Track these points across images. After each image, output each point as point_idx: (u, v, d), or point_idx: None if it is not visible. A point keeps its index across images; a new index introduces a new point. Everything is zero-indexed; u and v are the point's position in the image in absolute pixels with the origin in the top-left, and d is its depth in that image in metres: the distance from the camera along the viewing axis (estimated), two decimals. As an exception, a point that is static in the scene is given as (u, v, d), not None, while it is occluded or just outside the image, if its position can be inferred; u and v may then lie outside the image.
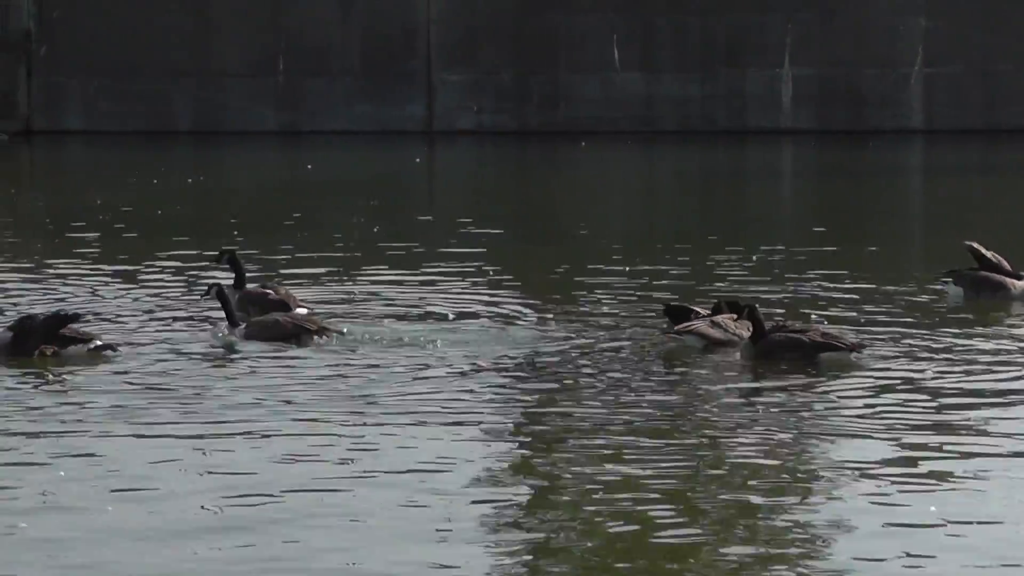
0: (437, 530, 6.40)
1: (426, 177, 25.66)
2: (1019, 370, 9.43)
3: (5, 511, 6.78)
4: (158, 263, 14.35)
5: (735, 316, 10.03)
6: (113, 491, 7.09)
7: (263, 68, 30.07)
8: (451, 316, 11.26)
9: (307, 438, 8.03)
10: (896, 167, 25.48)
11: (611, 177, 24.79)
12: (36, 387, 9.37)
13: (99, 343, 9.90)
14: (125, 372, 9.66)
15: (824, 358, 9.47)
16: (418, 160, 26.62)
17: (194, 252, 14.80)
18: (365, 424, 8.34)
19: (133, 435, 8.19)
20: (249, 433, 8.17)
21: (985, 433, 8.06)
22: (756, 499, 6.86)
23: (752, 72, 28.70)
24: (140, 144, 28.81)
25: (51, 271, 13.96)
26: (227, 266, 11.46)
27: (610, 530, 6.46)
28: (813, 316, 11.06)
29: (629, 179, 24.58)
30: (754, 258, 14.15)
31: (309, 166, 25.23)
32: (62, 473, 7.38)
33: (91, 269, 14.04)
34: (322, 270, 13.89)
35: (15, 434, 8.16)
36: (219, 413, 8.62)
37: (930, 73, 28.30)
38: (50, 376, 9.59)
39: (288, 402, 8.86)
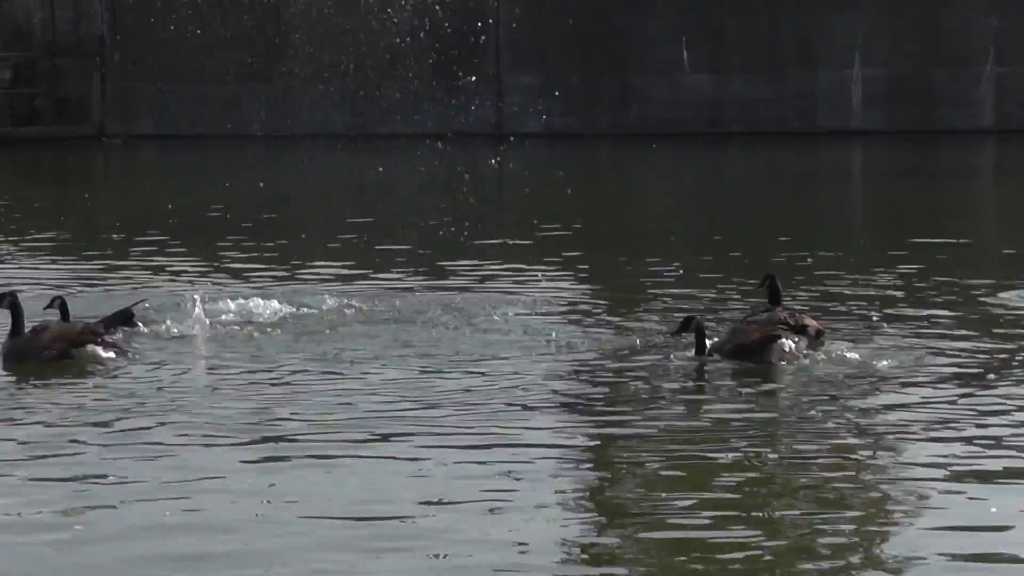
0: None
1: (496, 179, 25.73)
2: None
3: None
4: (223, 264, 14.53)
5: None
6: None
7: (333, 72, 30.26)
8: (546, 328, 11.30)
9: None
10: (966, 168, 25.38)
11: (681, 179, 24.81)
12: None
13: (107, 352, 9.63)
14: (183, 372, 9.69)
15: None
16: (493, 161, 26.66)
17: (261, 255, 15.01)
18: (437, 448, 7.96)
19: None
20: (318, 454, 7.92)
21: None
22: (821, 509, 6.78)
23: (822, 73, 28.67)
24: (212, 148, 29.02)
25: (117, 272, 14.10)
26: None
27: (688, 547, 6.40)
28: (874, 316, 11.05)
29: (700, 181, 24.56)
30: (822, 257, 14.19)
31: (380, 168, 25.33)
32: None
33: (157, 270, 14.21)
34: (400, 272, 13.98)
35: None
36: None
37: (1001, 73, 28.22)
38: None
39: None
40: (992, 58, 28.16)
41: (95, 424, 8.29)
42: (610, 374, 9.43)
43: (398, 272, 13.85)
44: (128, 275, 14.00)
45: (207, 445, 7.89)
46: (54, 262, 14.95)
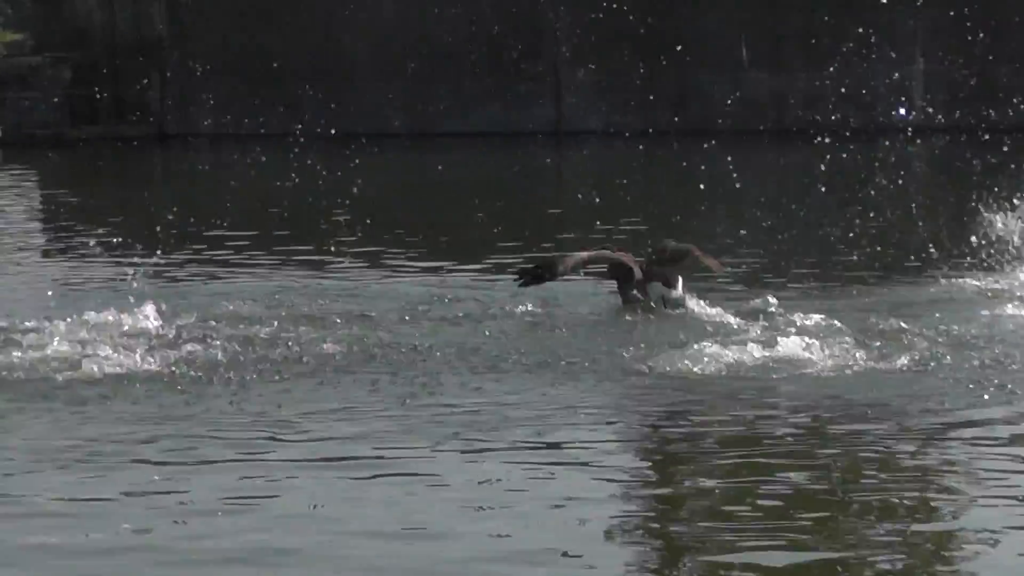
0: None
1: (556, 177, 25.73)
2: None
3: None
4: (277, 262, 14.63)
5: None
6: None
7: (392, 71, 30.33)
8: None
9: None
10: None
11: (742, 176, 24.69)
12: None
13: None
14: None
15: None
16: (549, 161, 26.73)
17: (315, 251, 15.11)
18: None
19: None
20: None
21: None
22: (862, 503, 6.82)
23: (883, 69, 28.52)
24: (271, 147, 29.11)
25: (174, 269, 14.24)
26: None
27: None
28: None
29: (760, 177, 24.47)
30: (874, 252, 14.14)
31: (440, 167, 25.39)
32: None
33: (212, 269, 14.32)
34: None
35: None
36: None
37: (1067, 67, 28.05)
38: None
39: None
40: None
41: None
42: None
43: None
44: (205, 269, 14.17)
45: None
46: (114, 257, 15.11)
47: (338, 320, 10.94)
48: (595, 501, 6.85)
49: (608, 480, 7.29)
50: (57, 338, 10.09)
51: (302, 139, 29.98)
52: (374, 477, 7.27)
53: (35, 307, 11.62)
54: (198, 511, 6.75)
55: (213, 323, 10.71)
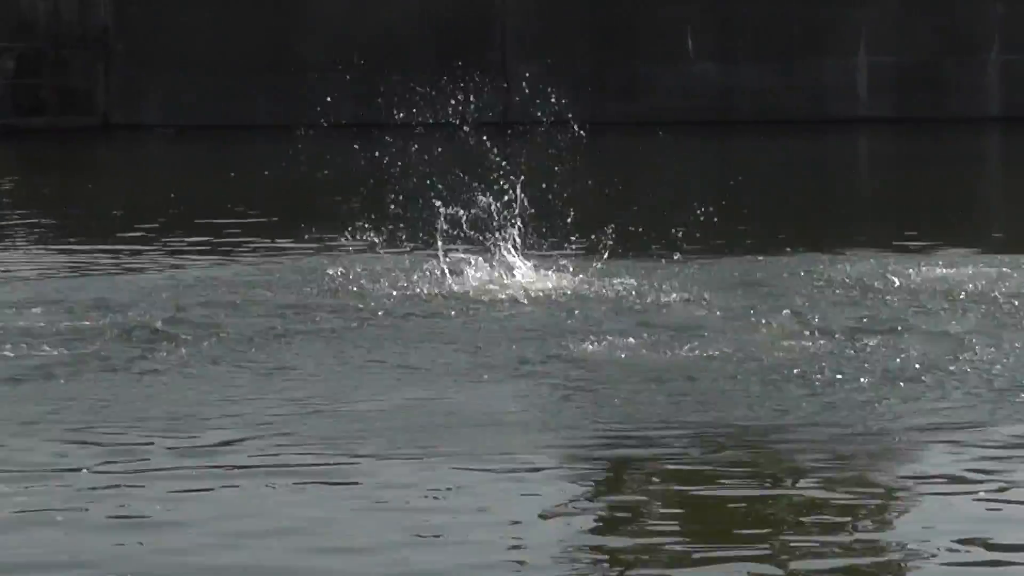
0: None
1: (501, 167, 25.76)
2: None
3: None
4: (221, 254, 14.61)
5: None
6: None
7: (341, 60, 30.31)
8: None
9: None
10: (974, 155, 25.40)
11: (688, 167, 24.84)
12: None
13: None
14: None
15: None
16: (495, 153, 26.69)
17: (267, 242, 15.09)
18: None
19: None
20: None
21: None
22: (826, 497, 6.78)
23: (829, 61, 28.72)
24: (218, 138, 29.07)
25: (110, 262, 14.18)
26: None
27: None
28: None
29: (707, 169, 24.63)
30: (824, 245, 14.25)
31: (386, 159, 25.40)
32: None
33: (151, 261, 14.29)
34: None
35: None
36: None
37: (1008, 60, 28.24)
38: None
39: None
40: (998, 45, 28.19)
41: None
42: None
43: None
44: (130, 261, 14.11)
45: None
46: (55, 249, 15.08)
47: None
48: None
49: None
50: None
51: (249, 130, 30.07)
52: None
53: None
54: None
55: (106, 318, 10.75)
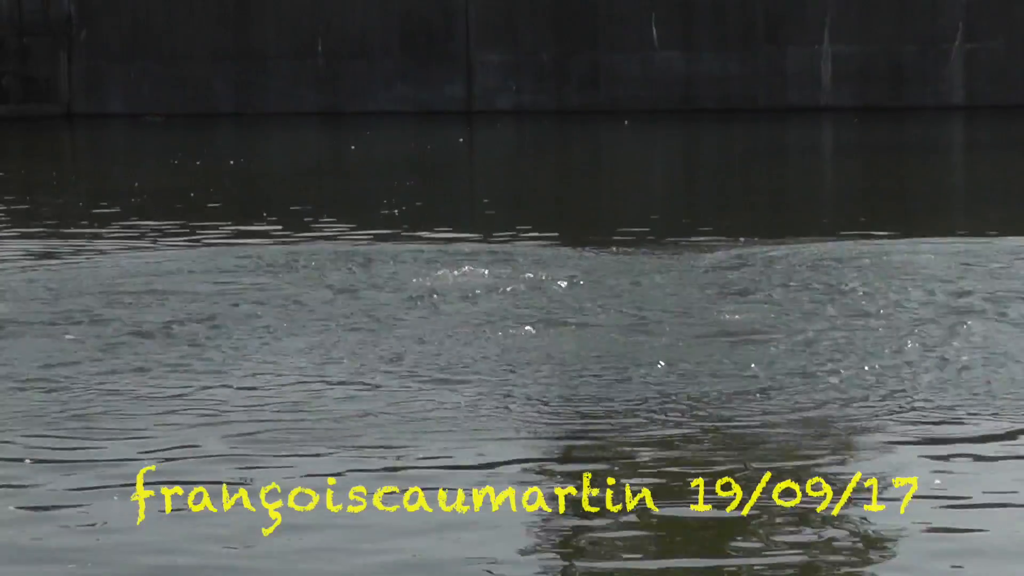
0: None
1: (466, 157, 25.80)
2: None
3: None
4: (185, 241, 14.57)
5: None
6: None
7: (303, 50, 30.32)
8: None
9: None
10: (936, 143, 25.50)
11: (651, 156, 24.92)
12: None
13: None
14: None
15: None
16: (461, 140, 26.76)
17: (229, 231, 15.08)
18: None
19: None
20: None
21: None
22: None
23: (792, 50, 28.80)
24: (181, 126, 29.04)
25: (72, 250, 14.11)
26: None
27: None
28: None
29: (670, 158, 24.69)
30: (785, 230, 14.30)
31: (352, 147, 25.42)
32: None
33: (116, 248, 14.24)
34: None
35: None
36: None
37: (971, 49, 28.35)
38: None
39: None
40: (961, 34, 28.29)
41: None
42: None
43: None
44: (95, 247, 14.07)
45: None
46: (18, 235, 15.06)
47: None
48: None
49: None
50: None
51: (212, 118, 30.05)
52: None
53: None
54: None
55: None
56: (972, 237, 13.50)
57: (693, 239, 13.85)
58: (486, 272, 11.94)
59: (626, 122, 27.42)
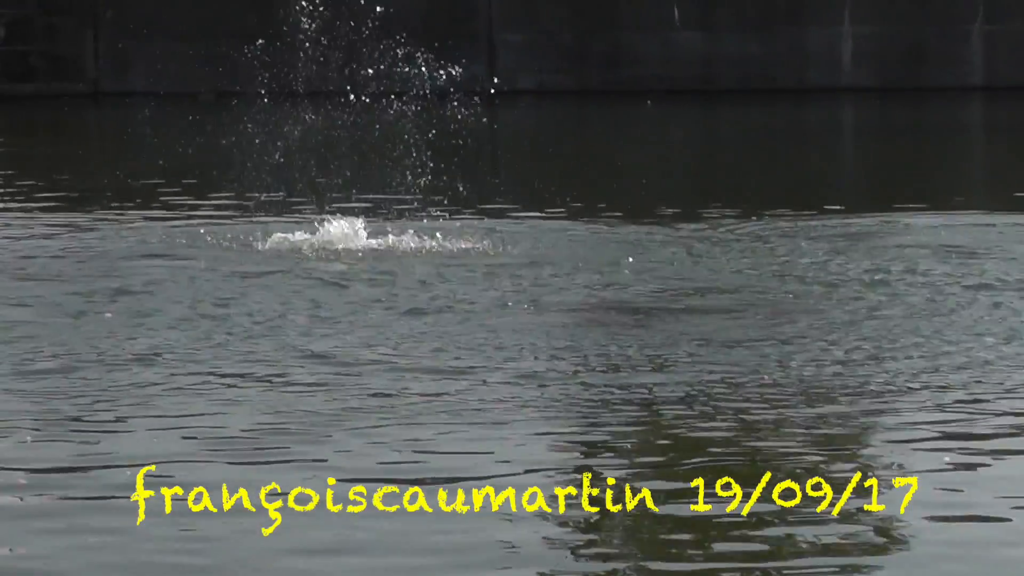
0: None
1: (488, 136, 25.80)
2: None
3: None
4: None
5: None
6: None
7: (326, 27, 30.32)
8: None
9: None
10: (956, 124, 25.44)
11: (672, 135, 24.91)
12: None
13: None
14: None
15: None
16: (485, 120, 26.74)
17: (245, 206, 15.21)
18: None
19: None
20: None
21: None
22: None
23: (812, 30, 28.76)
24: (204, 105, 29.06)
25: (102, 224, 14.23)
26: None
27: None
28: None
29: (690, 137, 24.69)
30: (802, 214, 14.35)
31: (378, 125, 25.42)
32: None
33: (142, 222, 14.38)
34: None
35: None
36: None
37: (990, 30, 28.31)
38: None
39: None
40: (982, 15, 28.24)
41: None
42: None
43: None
44: (122, 222, 14.20)
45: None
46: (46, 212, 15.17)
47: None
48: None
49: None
50: None
51: (237, 96, 30.09)
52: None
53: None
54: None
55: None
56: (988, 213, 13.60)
57: (711, 214, 13.94)
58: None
59: (649, 102, 27.39)
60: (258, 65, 30.43)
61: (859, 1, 28.50)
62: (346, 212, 14.49)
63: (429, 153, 21.69)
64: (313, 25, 30.41)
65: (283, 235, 13.20)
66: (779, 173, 18.72)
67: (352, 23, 30.43)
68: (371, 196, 16.12)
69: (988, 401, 7.52)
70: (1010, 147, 21.43)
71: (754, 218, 13.59)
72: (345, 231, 13.23)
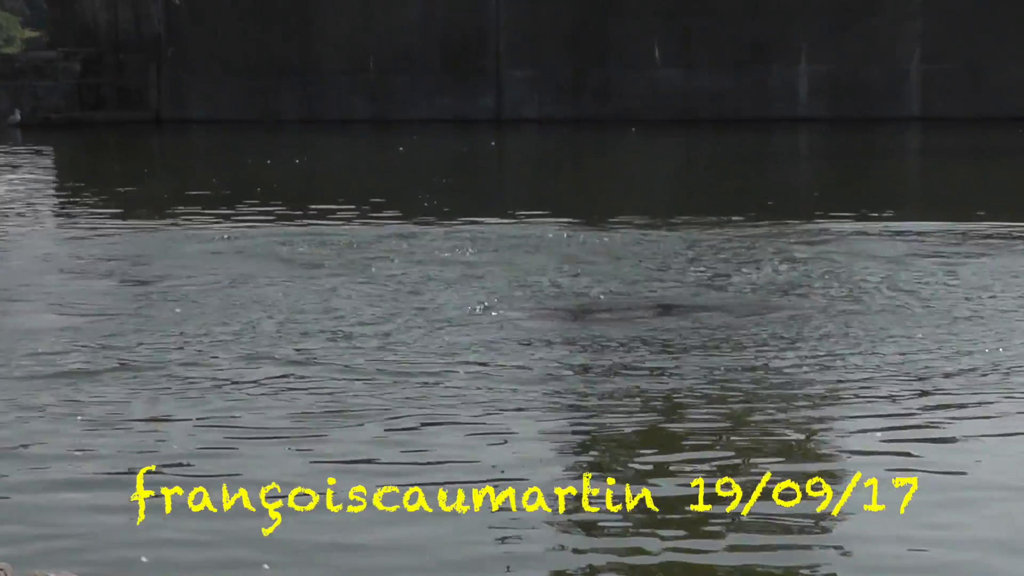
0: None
1: (496, 158, 25.94)
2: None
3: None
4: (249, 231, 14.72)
5: None
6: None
7: (357, 65, 30.54)
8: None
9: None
10: (897, 149, 25.49)
11: (655, 159, 24.99)
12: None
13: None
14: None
15: None
16: (493, 143, 26.87)
17: (287, 221, 15.26)
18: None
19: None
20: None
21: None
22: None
23: (774, 68, 28.91)
24: (253, 131, 29.21)
25: (159, 235, 14.29)
26: None
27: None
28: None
29: (672, 161, 24.75)
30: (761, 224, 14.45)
31: (401, 148, 25.56)
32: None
33: (198, 235, 14.41)
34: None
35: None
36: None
37: (926, 69, 28.47)
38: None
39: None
40: (918, 56, 28.40)
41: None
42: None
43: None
44: (181, 227, 14.28)
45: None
46: (115, 219, 15.30)
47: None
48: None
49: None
50: None
51: (279, 124, 30.22)
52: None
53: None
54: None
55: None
56: (919, 222, 13.69)
57: (689, 222, 13.98)
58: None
59: (633, 130, 27.49)
60: (295, 95, 30.69)
61: (814, 44, 28.66)
62: (388, 217, 14.71)
63: (450, 170, 21.89)
64: (343, 62, 30.65)
65: (321, 238, 12.99)
66: (744, 189, 18.76)
67: (379, 61, 30.60)
68: (403, 204, 16.19)
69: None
70: (942, 168, 21.53)
71: (719, 227, 13.62)
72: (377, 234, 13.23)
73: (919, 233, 12.97)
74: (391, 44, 30.26)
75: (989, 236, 12.73)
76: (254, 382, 7.40)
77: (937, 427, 6.50)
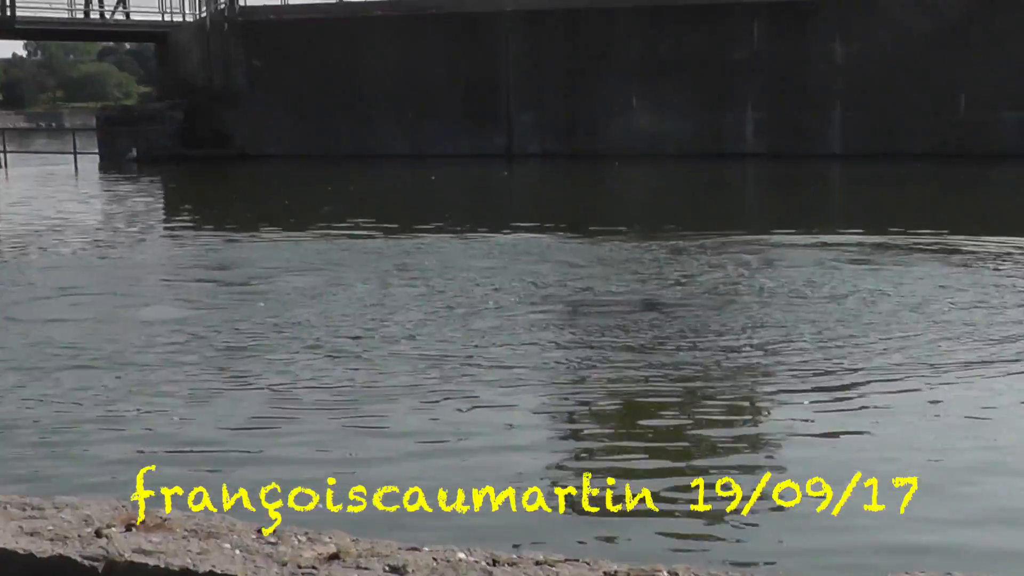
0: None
1: (507, 185, 25.91)
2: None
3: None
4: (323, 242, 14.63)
5: None
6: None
7: (399, 112, 30.53)
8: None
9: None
10: (823, 179, 25.44)
11: (633, 185, 24.92)
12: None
13: None
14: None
15: None
16: (505, 173, 26.78)
17: (347, 234, 15.18)
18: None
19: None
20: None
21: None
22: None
23: (727, 114, 28.88)
24: (315, 163, 29.21)
25: (244, 245, 14.00)
26: None
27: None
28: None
29: (646, 187, 24.67)
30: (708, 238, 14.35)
31: (433, 177, 25.49)
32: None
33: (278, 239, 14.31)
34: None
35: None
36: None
37: (847, 115, 28.42)
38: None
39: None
40: (840, 105, 28.35)
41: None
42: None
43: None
44: (261, 239, 14.19)
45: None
46: (208, 233, 15.25)
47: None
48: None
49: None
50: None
51: (336, 158, 30.22)
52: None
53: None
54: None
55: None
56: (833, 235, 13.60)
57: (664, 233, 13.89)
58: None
59: (616, 163, 27.45)
60: (349, 135, 30.68)
61: (758, 95, 28.63)
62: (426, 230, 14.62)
63: (470, 194, 21.84)
64: (387, 109, 30.62)
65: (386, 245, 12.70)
66: (704, 209, 18.69)
67: (415, 108, 30.61)
68: (431, 217, 16.10)
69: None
70: (860, 195, 21.45)
71: (684, 239, 13.56)
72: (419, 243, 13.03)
73: (839, 244, 12.88)
74: (425, 95, 30.26)
75: (896, 245, 12.64)
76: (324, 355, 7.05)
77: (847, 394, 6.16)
